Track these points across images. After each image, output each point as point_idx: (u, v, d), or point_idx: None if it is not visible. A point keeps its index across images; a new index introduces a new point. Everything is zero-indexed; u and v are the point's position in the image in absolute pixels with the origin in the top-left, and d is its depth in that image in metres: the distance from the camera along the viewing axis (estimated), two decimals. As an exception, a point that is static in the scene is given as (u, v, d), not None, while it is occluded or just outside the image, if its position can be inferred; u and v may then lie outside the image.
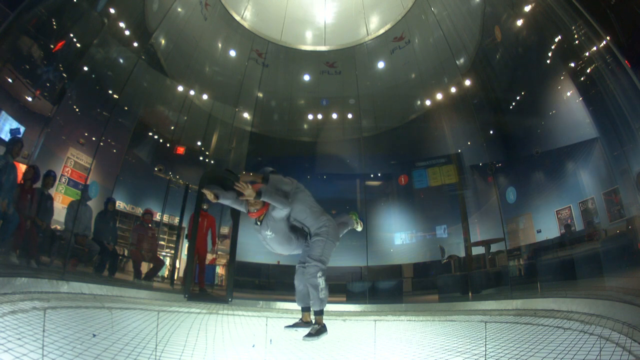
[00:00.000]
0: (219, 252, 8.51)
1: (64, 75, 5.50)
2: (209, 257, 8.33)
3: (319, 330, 2.91)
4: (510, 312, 4.71)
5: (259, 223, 3.12)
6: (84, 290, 4.88)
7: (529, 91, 6.22)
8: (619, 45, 4.01)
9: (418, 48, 8.17)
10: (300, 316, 3.25)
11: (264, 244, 3.31)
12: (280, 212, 3.01)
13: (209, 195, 3.07)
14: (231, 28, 8.13)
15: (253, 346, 2.63)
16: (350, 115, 8.92)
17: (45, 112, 5.22)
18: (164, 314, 3.81)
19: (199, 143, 8.54)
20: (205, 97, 8.40)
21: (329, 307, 4.78)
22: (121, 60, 6.67)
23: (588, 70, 4.77)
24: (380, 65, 8.65)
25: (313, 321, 3.09)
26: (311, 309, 3.14)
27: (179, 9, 7.27)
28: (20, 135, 4.64)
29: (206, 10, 7.66)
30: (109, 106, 6.46)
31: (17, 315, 2.58)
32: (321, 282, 2.97)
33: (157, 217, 7.57)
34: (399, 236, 8.42)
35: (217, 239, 8.11)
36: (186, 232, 7.55)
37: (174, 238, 7.84)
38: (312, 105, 9.11)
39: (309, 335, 2.88)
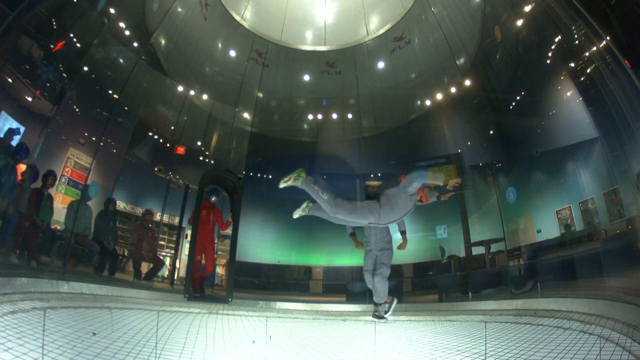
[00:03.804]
0: (219, 252, 8.50)
1: (64, 75, 5.50)
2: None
3: (390, 305, 4.20)
4: (510, 312, 4.71)
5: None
6: (84, 290, 4.88)
7: (529, 91, 6.22)
8: (619, 45, 4.01)
9: (418, 48, 8.17)
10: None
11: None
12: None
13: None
14: (231, 28, 8.14)
15: (253, 342, 2.64)
16: (350, 115, 8.92)
17: (45, 112, 5.22)
18: (164, 313, 3.81)
19: (199, 143, 8.54)
20: (205, 97, 8.40)
21: (329, 307, 4.81)
22: (121, 60, 6.67)
23: (588, 70, 4.77)
24: (380, 65, 8.65)
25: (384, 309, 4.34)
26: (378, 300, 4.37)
27: (179, 9, 7.28)
28: (26, 146, 4.65)
29: (206, 10, 7.67)
30: (109, 106, 6.46)
31: (17, 315, 2.58)
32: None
33: (157, 217, 7.56)
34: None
35: (220, 232, 7.90)
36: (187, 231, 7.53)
37: (174, 238, 7.84)
38: (312, 105, 9.11)
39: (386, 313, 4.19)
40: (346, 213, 3.82)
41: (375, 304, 4.45)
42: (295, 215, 4.19)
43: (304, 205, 4.18)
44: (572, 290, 4.72)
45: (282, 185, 3.80)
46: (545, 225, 5.88)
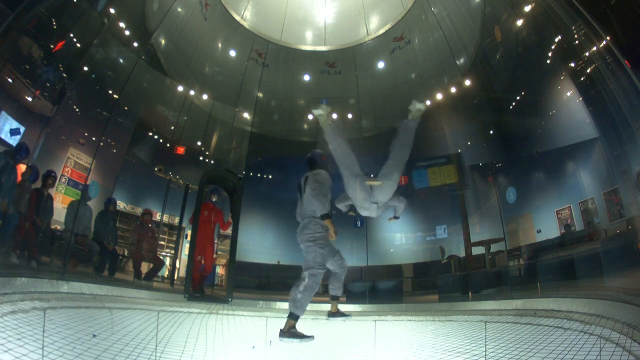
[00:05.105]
0: (218, 252, 8.51)
1: (64, 75, 5.50)
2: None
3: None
4: (510, 312, 4.71)
5: None
6: (84, 290, 4.88)
7: (529, 91, 6.22)
8: (619, 45, 4.01)
9: (418, 48, 8.17)
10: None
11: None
12: None
13: None
14: (231, 28, 8.13)
15: (253, 347, 2.63)
16: (350, 115, 8.91)
17: (45, 112, 5.22)
18: (164, 314, 3.81)
19: (199, 143, 8.54)
20: (205, 97, 8.40)
21: (329, 307, 4.79)
22: (121, 60, 6.67)
23: (588, 70, 4.77)
24: (380, 65, 8.65)
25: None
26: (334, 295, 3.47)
27: (179, 9, 7.27)
28: (26, 146, 4.64)
29: (206, 10, 7.66)
30: (109, 106, 6.46)
31: (17, 315, 2.58)
32: None
33: (157, 217, 7.56)
34: (399, 236, 8.41)
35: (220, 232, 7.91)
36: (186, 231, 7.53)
37: (174, 238, 7.84)
38: (312, 105, 9.11)
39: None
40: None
41: (336, 298, 3.49)
42: (316, 112, 3.44)
43: (328, 108, 3.38)
44: (572, 290, 4.72)
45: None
46: (545, 225, 5.88)
